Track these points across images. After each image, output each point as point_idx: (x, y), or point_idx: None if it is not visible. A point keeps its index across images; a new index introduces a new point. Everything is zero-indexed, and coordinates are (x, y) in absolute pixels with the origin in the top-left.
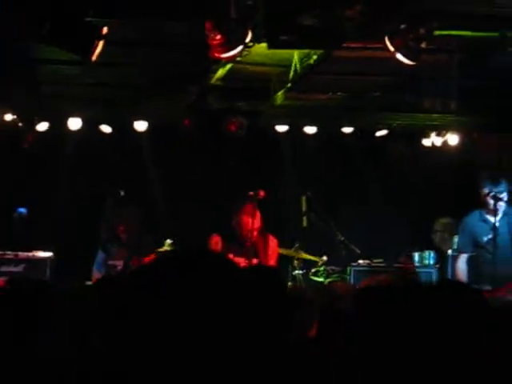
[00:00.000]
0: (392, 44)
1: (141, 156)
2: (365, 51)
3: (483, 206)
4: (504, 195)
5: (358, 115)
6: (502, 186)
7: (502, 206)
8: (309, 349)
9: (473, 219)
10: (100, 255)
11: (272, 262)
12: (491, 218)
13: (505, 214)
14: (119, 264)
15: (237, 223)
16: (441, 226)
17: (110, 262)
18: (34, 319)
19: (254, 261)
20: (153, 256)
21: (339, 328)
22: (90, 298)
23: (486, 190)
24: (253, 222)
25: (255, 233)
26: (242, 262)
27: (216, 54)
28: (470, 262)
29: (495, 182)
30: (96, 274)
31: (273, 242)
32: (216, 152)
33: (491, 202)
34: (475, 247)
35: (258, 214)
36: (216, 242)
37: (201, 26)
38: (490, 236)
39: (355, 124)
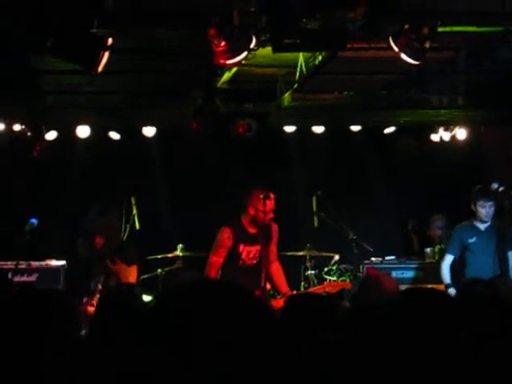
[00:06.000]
0: (396, 44)
1: (150, 161)
2: (369, 51)
3: (475, 216)
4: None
5: (366, 113)
6: (492, 199)
7: (490, 214)
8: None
9: (463, 225)
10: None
11: (275, 247)
12: (479, 225)
13: (493, 224)
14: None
15: (253, 205)
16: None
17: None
18: (45, 328)
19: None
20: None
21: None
22: None
23: (479, 203)
24: (271, 202)
25: (271, 215)
26: (253, 250)
27: (221, 61)
28: (453, 262)
29: (486, 196)
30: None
31: (275, 227)
32: (224, 155)
33: (483, 212)
34: (462, 249)
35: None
36: (228, 236)
37: (205, 33)
38: (475, 239)
39: (363, 122)
